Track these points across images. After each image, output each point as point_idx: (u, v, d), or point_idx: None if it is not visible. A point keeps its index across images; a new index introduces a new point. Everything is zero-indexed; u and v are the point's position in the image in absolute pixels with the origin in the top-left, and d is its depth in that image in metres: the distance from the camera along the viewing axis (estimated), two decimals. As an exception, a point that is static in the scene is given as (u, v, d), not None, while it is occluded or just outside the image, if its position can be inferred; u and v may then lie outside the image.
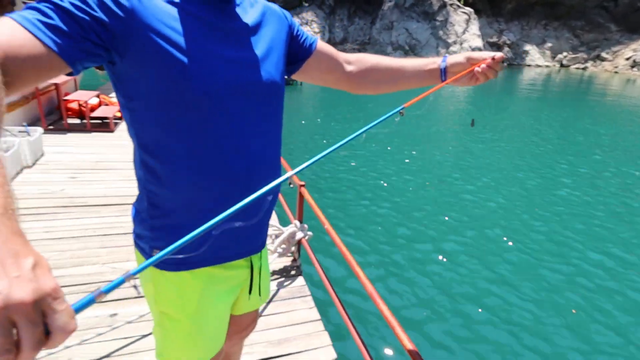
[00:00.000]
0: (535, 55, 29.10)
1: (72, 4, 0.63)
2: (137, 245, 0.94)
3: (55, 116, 6.16)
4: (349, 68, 1.08)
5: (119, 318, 2.07)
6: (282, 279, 2.49)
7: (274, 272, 2.53)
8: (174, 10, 0.74)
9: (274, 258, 2.50)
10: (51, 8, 0.61)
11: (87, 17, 0.64)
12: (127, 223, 3.10)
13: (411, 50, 26.25)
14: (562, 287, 3.81)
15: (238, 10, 0.85)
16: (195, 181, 0.82)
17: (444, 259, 4.18)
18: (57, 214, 3.14)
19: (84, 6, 0.64)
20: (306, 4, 27.47)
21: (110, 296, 2.24)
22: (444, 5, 26.11)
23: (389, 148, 8.04)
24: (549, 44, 29.38)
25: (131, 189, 3.74)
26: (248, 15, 0.87)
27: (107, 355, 1.84)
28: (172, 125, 0.78)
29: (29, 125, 4.70)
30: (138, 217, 0.92)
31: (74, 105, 6.13)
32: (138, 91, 0.75)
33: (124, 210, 3.31)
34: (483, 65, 0.97)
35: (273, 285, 2.41)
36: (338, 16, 28.57)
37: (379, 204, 5.46)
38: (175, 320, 0.94)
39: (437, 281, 3.82)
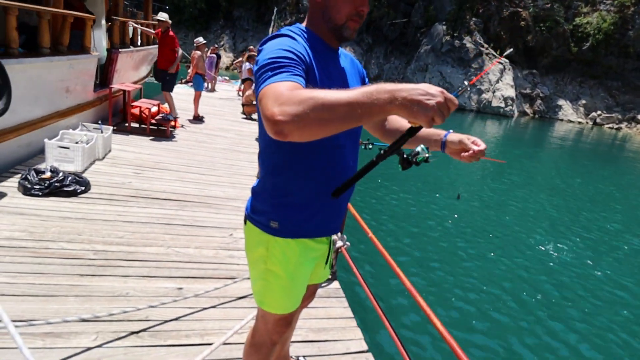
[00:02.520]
0: (568, 111, 29.15)
1: (295, 61, 1.02)
2: (251, 219, 1.32)
3: (117, 118, 6.84)
4: (384, 122, 1.45)
5: (184, 292, 2.45)
6: (320, 280, 2.83)
7: (312, 274, 2.88)
8: (316, 61, 1.16)
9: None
10: (292, 66, 1.00)
11: (302, 66, 1.04)
12: (185, 217, 3.54)
13: (444, 92, 26.82)
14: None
15: (340, 60, 1.30)
16: (311, 177, 1.22)
17: (480, 261, 4.42)
18: (127, 202, 3.62)
19: (300, 62, 1.04)
20: (346, 40, 28.73)
21: (177, 273, 2.64)
22: (479, 54, 26.81)
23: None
24: (583, 101, 29.42)
25: (187, 189, 4.21)
26: (346, 64, 1.34)
27: (176, 319, 2.21)
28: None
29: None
30: (259, 198, 1.31)
31: (136, 111, 6.81)
32: None
33: (182, 206, 3.75)
34: (471, 152, 1.23)
35: (312, 285, 2.75)
36: (375, 54, 29.72)
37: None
38: (278, 277, 1.30)
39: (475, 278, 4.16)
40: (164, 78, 7.05)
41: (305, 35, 1.19)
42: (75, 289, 2.30)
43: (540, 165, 13.41)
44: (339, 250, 2.96)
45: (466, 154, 1.23)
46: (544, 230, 6.73)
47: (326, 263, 1.46)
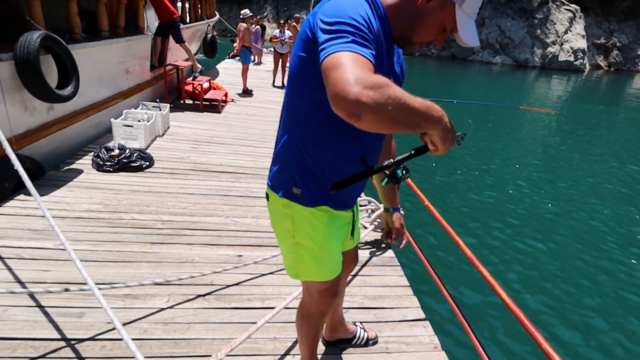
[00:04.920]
0: (651, 61, 25.66)
1: (372, 37, 0.92)
2: (274, 188, 1.27)
3: (173, 96, 7.14)
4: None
5: (244, 259, 2.57)
6: (374, 249, 2.83)
7: (366, 243, 2.88)
8: (381, 44, 1.06)
9: (370, 230, 2.85)
10: (370, 42, 0.91)
11: (373, 44, 0.92)
12: (241, 188, 3.67)
13: (502, 49, 24.72)
14: None
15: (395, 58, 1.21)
16: (339, 155, 1.17)
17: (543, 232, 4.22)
18: (187, 175, 3.82)
19: (371, 39, 0.92)
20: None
21: (236, 241, 2.77)
22: (545, 2, 24.12)
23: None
24: (671, 49, 25.68)
25: (241, 162, 4.35)
26: (400, 55, 1.25)
27: (238, 284, 2.33)
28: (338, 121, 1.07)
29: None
30: (283, 166, 1.24)
31: (189, 88, 7.05)
32: None
33: (238, 178, 3.89)
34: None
35: (366, 253, 2.76)
36: (426, 12, 27.83)
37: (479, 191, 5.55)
38: (308, 248, 1.28)
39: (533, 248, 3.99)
40: (169, 30, 6.45)
41: (382, 13, 1.06)
42: (147, 255, 2.51)
43: (618, 126, 12.10)
44: (393, 218, 2.92)
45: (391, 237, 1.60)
46: (616, 203, 6.15)
47: (352, 233, 1.44)
